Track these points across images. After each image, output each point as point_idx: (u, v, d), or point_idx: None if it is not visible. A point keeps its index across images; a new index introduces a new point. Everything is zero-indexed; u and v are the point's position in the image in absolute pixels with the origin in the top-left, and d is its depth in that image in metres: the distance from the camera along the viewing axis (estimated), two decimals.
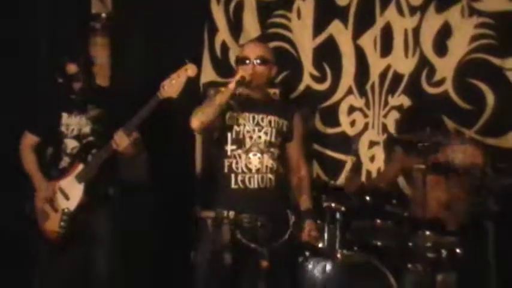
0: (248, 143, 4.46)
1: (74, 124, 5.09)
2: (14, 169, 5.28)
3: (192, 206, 5.96)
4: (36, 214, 5.10)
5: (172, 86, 4.70)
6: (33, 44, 6.12)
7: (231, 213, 4.41)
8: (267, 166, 4.46)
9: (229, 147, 4.47)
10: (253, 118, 4.49)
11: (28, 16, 6.07)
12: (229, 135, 4.48)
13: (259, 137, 4.47)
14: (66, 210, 5.02)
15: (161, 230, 6.00)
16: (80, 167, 5.03)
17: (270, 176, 4.46)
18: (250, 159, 4.44)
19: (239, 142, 4.46)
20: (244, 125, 4.47)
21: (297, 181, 4.64)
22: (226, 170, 4.47)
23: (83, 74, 5.05)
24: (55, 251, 5.07)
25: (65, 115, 5.10)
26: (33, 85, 5.97)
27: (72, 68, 5.04)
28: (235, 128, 4.47)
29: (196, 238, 4.59)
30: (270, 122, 4.51)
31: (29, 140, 5.20)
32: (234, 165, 4.45)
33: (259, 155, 4.44)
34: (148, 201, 5.96)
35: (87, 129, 5.08)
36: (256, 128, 4.48)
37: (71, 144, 5.08)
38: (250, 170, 4.44)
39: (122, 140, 4.81)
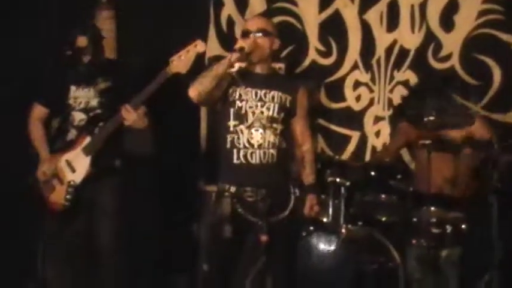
0: (250, 118, 4.45)
1: (82, 97, 5.09)
2: (20, 140, 5.28)
3: (196, 179, 5.98)
4: (39, 186, 5.10)
5: (181, 62, 4.71)
6: (40, 18, 6.10)
7: (233, 188, 4.41)
8: (269, 141, 4.45)
9: (231, 123, 4.47)
10: (256, 93, 4.48)
11: None
12: (231, 110, 4.48)
13: (262, 113, 4.46)
14: (72, 182, 5.02)
15: (165, 203, 6.00)
16: (87, 139, 5.03)
17: (272, 151, 4.45)
18: (252, 134, 4.44)
19: (241, 117, 4.46)
20: (247, 101, 4.46)
21: (300, 155, 4.63)
22: (228, 145, 4.47)
23: (92, 47, 5.06)
24: (60, 223, 5.08)
25: (73, 88, 5.10)
26: (41, 58, 5.96)
27: (82, 41, 5.04)
28: (238, 103, 4.47)
29: (199, 211, 4.60)
30: (273, 97, 4.50)
31: (38, 111, 5.20)
32: (236, 141, 4.45)
33: (261, 130, 4.44)
34: (153, 173, 5.96)
35: (94, 102, 5.08)
36: (259, 104, 4.47)
37: (78, 116, 5.08)
38: (252, 145, 4.44)
39: (129, 114, 4.82)
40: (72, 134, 5.11)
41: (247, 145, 4.44)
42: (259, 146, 4.44)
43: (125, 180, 5.16)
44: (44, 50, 5.98)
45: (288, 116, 4.55)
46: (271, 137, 4.45)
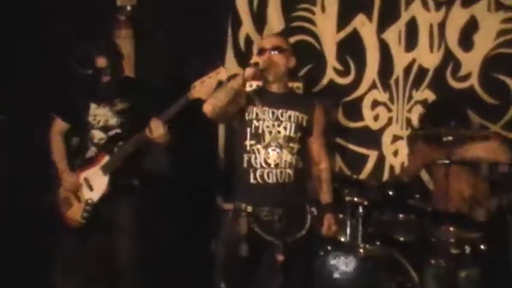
0: (267, 137, 4.44)
1: (101, 115, 5.11)
2: (39, 156, 5.31)
3: (214, 197, 5.98)
4: (57, 202, 5.12)
5: (203, 87, 4.71)
6: (59, 36, 6.14)
7: (249, 207, 4.40)
8: (285, 161, 4.43)
9: (248, 142, 4.45)
10: (273, 113, 4.47)
11: (54, 9, 6.08)
12: (248, 129, 4.46)
13: (279, 132, 4.45)
14: (89, 201, 5.04)
15: (183, 220, 6.00)
16: (106, 158, 5.05)
17: (288, 171, 4.43)
18: (269, 154, 4.42)
19: (258, 137, 4.44)
20: (264, 120, 4.45)
21: (317, 174, 4.61)
22: (245, 165, 4.46)
23: (111, 67, 5.08)
24: (78, 240, 5.09)
25: (93, 105, 5.12)
26: (60, 76, 5.99)
27: (101, 62, 5.06)
28: (255, 122, 4.46)
29: (217, 229, 4.59)
30: (289, 116, 4.48)
31: (59, 126, 5.22)
32: (253, 160, 4.44)
33: (278, 150, 4.42)
34: (172, 192, 5.96)
35: (113, 121, 5.09)
36: (276, 123, 4.46)
37: (97, 135, 5.10)
38: (269, 164, 4.42)
39: (157, 127, 4.83)
40: (91, 151, 5.12)
41: (264, 165, 4.43)
42: (276, 166, 4.42)
43: (143, 199, 5.16)
44: (65, 67, 6.01)
45: (305, 135, 4.53)
46: (287, 157, 4.44)
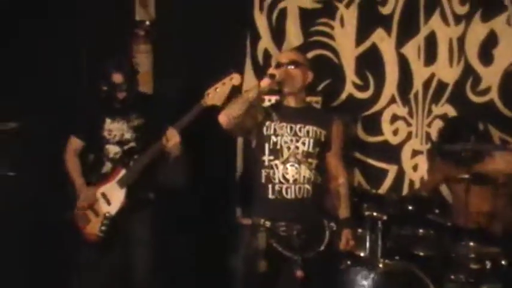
0: (286, 153, 4.43)
1: (116, 130, 5.14)
2: (57, 173, 5.33)
3: (233, 212, 5.97)
4: (74, 217, 5.14)
5: (216, 94, 4.74)
6: (77, 51, 6.17)
7: (267, 222, 4.38)
8: (304, 176, 4.43)
9: (266, 158, 4.45)
10: (291, 128, 4.47)
11: (72, 23, 6.11)
12: (266, 145, 4.46)
13: (297, 148, 4.44)
14: (107, 214, 5.06)
15: (203, 235, 5.99)
16: (122, 172, 5.08)
17: (307, 186, 4.43)
18: (288, 169, 4.41)
19: (276, 152, 4.44)
20: (282, 136, 4.44)
21: (335, 189, 4.59)
22: (263, 180, 4.45)
23: (127, 83, 5.10)
24: (95, 254, 5.11)
25: (108, 120, 5.15)
26: (77, 90, 6.02)
27: (117, 78, 5.09)
28: (273, 138, 4.45)
29: (236, 243, 4.58)
30: (307, 132, 4.48)
31: (74, 144, 5.25)
32: (271, 176, 4.43)
33: (296, 165, 4.41)
34: (190, 205, 5.96)
35: (128, 135, 5.12)
36: (294, 138, 4.45)
37: (113, 149, 5.12)
38: (287, 180, 4.41)
39: (173, 136, 4.85)
40: (107, 166, 5.16)
41: (282, 180, 4.42)
42: (295, 181, 4.41)
43: (160, 212, 5.16)
44: (80, 83, 6.05)
45: (323, 150, 4.52)
46: (306, 172, 4.43)
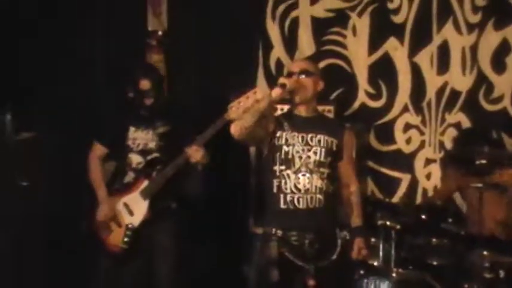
0: (297, 163, 4.41)
1: (140, 138, 5.14)
2: (71, 183, 5.35)
3: (247, 221, 5.97)
4: (96, 227, 5.14)
5: (240, 108, 4.72)
6: (93, 61, 6.21)
7: (279, 231, 4.38)
8: (316, 186, 4.40)
9: (277, 167, 4.43)
10: (302, 138, 4.44)
11: (87, 32, 6.15)
12: (278, 155, 4.43)
13: (309, 157, 4.42)
14: (130, 225, 5.06)
15: (218, 244, 6.00)
16: (145, 183, 5.08)
17: (319, 196, 4.41)
18: (299, 179, 4.39)
19: (288, 162, 4.42)
20: (294, 145, 4.42)
21: (347, 197, 4.58)
22: (275, 190, 4.43)
23: (155, 90, 5.12)
24: (118, 264, 5.12)
25: (132, 129, 5.16)
26: (92, 101, 6.05)
27: (145, 84, 5.11)
28: (284, 148, 4.43)
29: (249, 253, 4.58)
30: (319, 141, 4.46)
31: (98, 150, 5.25)
32: (283, 185, 4.41)
33: (308, 175, 4.39)
34: (206, 215, 5.97)
35: (152, 144, 5.13)
36: (306, 148, 4.43)
37: (136, 159, 5.13)
38: (299, 190, 4.39)
39: (196, 153, 4.93)
40: (129, 176, 5.16)
41: (294, 190, 4.40)
42: (306, 191, 4.39)
43: (181, 222, 5.17)
44: (97, 93, 6.08)
45: (335, 160, 4.50)
46: (318, 182, 4.41)
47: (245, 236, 5.86)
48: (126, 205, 5.10)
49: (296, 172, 4.40)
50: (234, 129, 4.32)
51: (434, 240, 5.20)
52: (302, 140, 4.44)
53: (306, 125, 4.47)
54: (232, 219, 6.04)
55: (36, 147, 5.75)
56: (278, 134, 4.45)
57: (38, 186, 5.67)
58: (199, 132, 4.94)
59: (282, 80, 4.40)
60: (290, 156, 4.42)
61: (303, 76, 4.46)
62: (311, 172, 4.39)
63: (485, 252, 4.96)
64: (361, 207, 4.59)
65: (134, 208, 5.08)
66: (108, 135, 5.25)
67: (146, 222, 5.06)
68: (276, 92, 4.34)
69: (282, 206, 4.41)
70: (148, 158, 5.11)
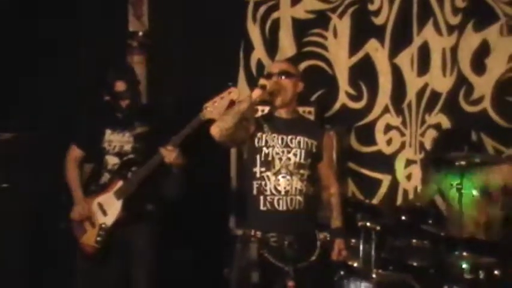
0: (277, 164, 4.40)
1: (116, 141, 5.13)
2: (51, 183, 5.34)
3: (228, 223, 5.97)
4: (72, 227, 5.13)
5: (214, 108, 4.77)
6: (74, 61, 6.19)
7: (258, 233, 4.38)
8: (296, 188, 4.39)
9: (258, 169, 4.42)
10: (282, 139, 4.43)
11: (68, 34, 6.14)
12: (258, 156, 4.42)
13: (289, 159, 4.41)
14: (103, 225, 5.05)
15: (198, 246, 6.01)
16: (120, 183, 5.07)
17: (299, 198, 4.40)
18: (279, 181, 4.38)
19: (268, 164, 4.41)
20: (274, 147, 4.41)
21: (327, 199, 4.58)
22: (255, 192, 4.42)
23: (130, 91, 5.10)
24: (93, 265, 5.10)
25: (108, 131, 5.15)
26: (73, 102, 6.04)
27: (120, 85, 5.09)
28: (264, 149, 4.42)
29: (230, 255, 4.57)
30: (299, 142, 4.45)
31: (75, 153, 5.23)
32: (262, 187, 4.40)
33: (288, 177, 4.39)
34: (185, 216, 5.96)
35: (128, 146, 5.12)
36: (286, 150, 4.42)
37: (111, 160, 5.12)
38: (279, 192, 4.38)
39: (170, 153, 4.89)
40: (105, 177, 5.15)
41: (274, 192, 4.39)
42: (286, 193, 4.39)
43: (158, 224, 5.16)
44: (81, 94, 6.07)
45: (315, 161, 4.49)
46: (298, 184, 4.40)
47: (226, 238, 5.86)
48: (100, 205, 5.09)
49: (276, 174, 4.40)
50: (215, 131, 4.30)
51: (414, 241, 5.22)
52: (282, 142, 4.43)
53: (286, 127, 4.46)
54: (213, 221, 6.03)
55: (16, 148, 5.73)
56: (258, 136, 4.44)
57: (19, 187, 5.65)
58: (176, 133, 4.93)
59: (262, 81, 4.39)
60: (270, 158, 4.41)
61: (283, 77, 4.44)
62: (291, 174, 4.39)
63: (465, 254, 4.99)
64: (341, 208, 4.59)
65: (108, 208, 5.07)
66: (85, 138, 5.24)
67: (120, 222, 5.05)
68: (256, 93, 4.33)
69: (262, 207, 4.40)
70: (124, 158, 5.11)
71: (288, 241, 4.34)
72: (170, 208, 5.52)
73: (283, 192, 4.37)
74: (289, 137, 4.43)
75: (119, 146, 5.12)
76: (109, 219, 5.06)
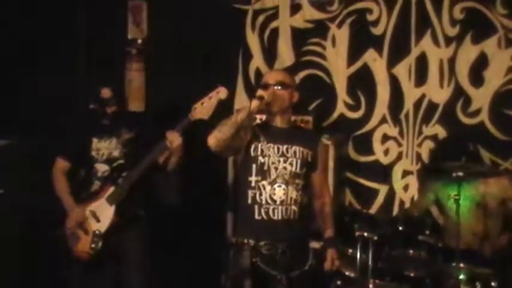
0: (273, 174, 4.38)
1: (104, 148, 5.14)
2: (46, 190, 5.33)
3: (224, 230, 5.96)
4: (66, 236, 5.12)
5: (203, 108, 4.79)
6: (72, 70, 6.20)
7: (251, 241, 4.37)
8: (291, 198, 4.38)
9: (253, 178, 4.40)
10: (278, 149, 4.42)
11: (67, 41, 6.14)
12: (253, 165, 4.41)
13: (285, 168, 4.40)
14: (97, 232, 5.05)
15: (193, 252, 6.00)
16: (111, 189, 5.07)
17: (294, 207, 4.38)
18: (275, 190, 4.37)
19: (264, 173, 4.39)
20: (269, 156, 4.40)
21: (320, 208, 4.57)
22: (249, 201, 4.40)
23: (116, 97, 5.12)
24: (87, 271, 5.10)
25: (95, 140, 5.16)
26: (68, 109, 6.04)
27: (106, 92, 5.10)
28: (260, 158, 4.41)
29: (225, 262, 4.56)
30: (295, 152, 4.44)
31: (61, 164, 5.24)
32: (258, 197, 4.38)
33: (284, 186, 4.37)
34: (181, 222, 5.96)
35: (116, 152, 5.13)
36: (282, 159, 4.40)
37: (101, 168, 5.13)
38: (274, 201, 4.37)
39: (176, 138, 4.88)
40: (96, 185, 5.16)
41: (269, 201, 4.37)
42: (282, 203, 4.37)
43: (150, 229, 5.16)
44: (68, 104, 6.07)
45: (309, 171, 4.48)
46: (293, 193, 4.38)
47: (223, 245, 5.86)
48: (93, 212, 5.08)
49: (272, 183, 4.38)
50: (211, 141, 4.30)
51: (411, 251, 5.24)
52: (278, 151, 4.42)
53: (282, 136, 4.46)
54: (210, 228, 6.03)
55: (10, 155, 5.72)
56: (254, 145, 4.43)
57: (13, 194, 5.64)
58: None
59: (259, 92, 4.40)
60: (266, 167, 4.40)
61: (279, 88, 4.45)
62: (287, 183, 4.38)
63: (462, 265, 5.00)
64: (334, 218, 4.58)
65: (101, 215, 5.07)
66: (69, 150, 5.25)
67: (113, 227, 5.05)
68: (255, 104, 4.34)
69: (257, 217, 4.38)
70: (114, 165, 5.11)
71: (281, 249, 4.34)
72: (167, 215, 5.54)
73: (278, 202, 4.36)
74: (285, 147, 4.43)
75: (107, 153, 5.14)
76: (103, 226, 5.06)
